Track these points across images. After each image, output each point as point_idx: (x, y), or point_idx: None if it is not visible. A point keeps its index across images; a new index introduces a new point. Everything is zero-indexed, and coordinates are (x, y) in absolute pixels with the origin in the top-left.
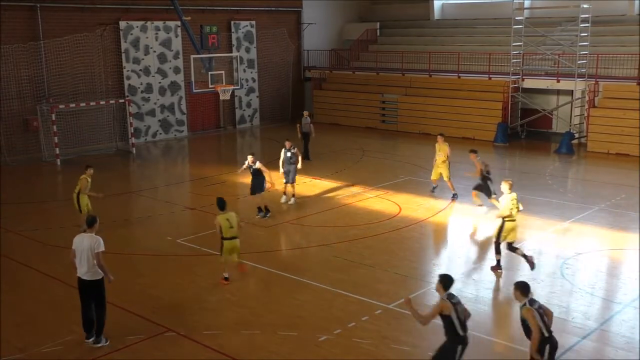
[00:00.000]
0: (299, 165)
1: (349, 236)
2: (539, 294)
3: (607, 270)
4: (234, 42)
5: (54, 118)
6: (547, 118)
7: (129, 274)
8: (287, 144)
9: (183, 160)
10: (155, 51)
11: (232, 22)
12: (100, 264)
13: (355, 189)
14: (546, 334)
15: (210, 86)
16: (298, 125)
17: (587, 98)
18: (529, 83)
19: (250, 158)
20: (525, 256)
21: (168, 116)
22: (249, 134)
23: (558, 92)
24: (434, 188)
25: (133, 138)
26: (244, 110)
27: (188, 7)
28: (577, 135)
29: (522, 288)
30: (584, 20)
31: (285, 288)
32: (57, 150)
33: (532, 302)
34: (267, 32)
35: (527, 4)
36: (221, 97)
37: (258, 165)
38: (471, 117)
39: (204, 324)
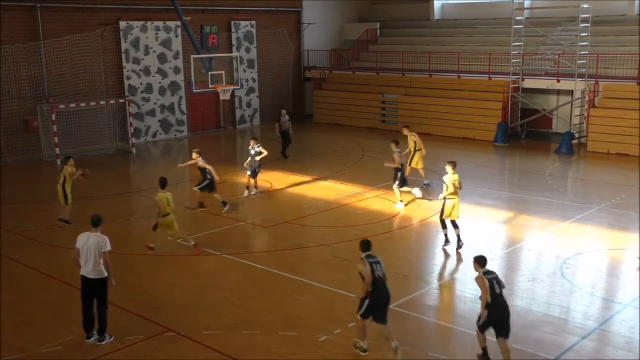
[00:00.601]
0: (257, 158)
1: (349, 236)
2: (539, 293)
3: (607, 270)
4: (234, 42)
5: (54, 118)
6: (547, 118)
7: (129, 274)
8: (252, 142)
9: (183, 160)
10: (155, 51)
11: (232, 22)
12: (107, 264)
13: (355, 189)
14: (490, 301)
15: (210, 86)
16: (277, 124)
17: (587, 98)
18: (529, 83)
19: (194, 155)
20: (459, 237)
21: (168, 116)
22: (249, 134)
23: (558, 92)
24: (426, 184)
25: (133, 138)
26: (244, 110)
27: (188, 7)
28: (577, 135)
29: (479, 260)
30: (584, 20)
31: (285, 288)
32: (57, 150)
33: (488, 272)
34: (267, 32)
35: (527, 4)
36: (221, 97)
37: (201, 163)
38: (471, 117)
39: (204, 324)
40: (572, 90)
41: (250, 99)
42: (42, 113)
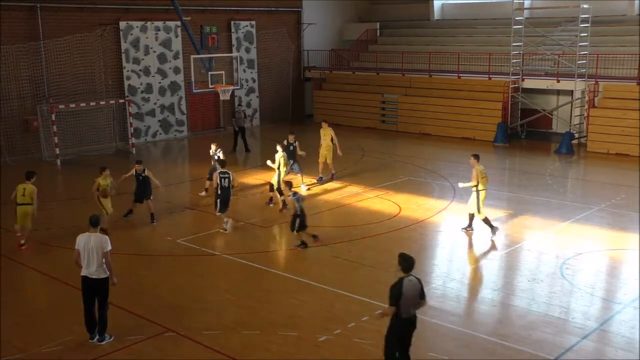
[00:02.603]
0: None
1: (348, 236)
2: (539, 294)
3: (607, 270)
4: (234, 42)
5: (54, 118)
6: (547, 118)
7: (129, 274)
8: (214, 146)
9: (183, 160)
10: (155, 51)
11: (232, 22)
12: (109, 263)
13: (355, 189)
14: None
15: (210, 86)
16: (232, 120)
17: (587, 98)
18: (529, 83)
19: (137, 166)
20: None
21: (168, 116)
22: (249, 134)
23: (558, 92)
24: (321, 178)
25: (133, 138)
26: (244, 110)
27: (188, 7)
28: (577, 135)
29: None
30: (584, 20)
31: (285, 288)
32: (57, 151)
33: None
34: (267, 32)
35: (527, 4)
36: (221, 97)
37: (147, 172)
38: (471, 117)
39: (204, 324)
40: (572, 91)
41: (250, 99)
42: (42, 113)
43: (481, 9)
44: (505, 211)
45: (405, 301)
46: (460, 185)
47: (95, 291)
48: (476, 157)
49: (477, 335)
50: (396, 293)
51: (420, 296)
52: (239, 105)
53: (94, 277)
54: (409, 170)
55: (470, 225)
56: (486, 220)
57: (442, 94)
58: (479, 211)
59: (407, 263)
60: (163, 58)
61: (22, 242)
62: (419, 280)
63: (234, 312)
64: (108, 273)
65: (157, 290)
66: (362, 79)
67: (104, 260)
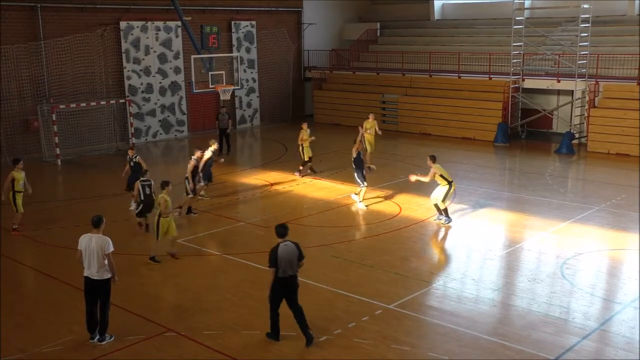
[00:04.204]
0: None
1: (349, 236)
2: (539, 294)
3: (608, 270)
4: (235, 42)
5: (54, 118)
6: (548, 118)
7: (130, 274)
8: (130, 151)
9: (184, 160)
10: (155, 51)
11: (233, 22)
12: (111, 264)
13: (355, 189)
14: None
15: (210, 86)
16: (216, 121)
17: (587, 98)
18: (529, 83)
19: (130, 152)
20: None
21: (168, 116)
22: (249, 134)
23: (558, 92)
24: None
25: (133, 138)
26: (244, 110)
27: (188, 7)
28: (577, 136)
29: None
30: (584, 21)
31: None
32: (58, 151)
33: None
34: (268, 32)
35: (527, 4)
36: (221, 97)
37: (138, 159)
38: (471, 117)
39: (204, 324)
40: (573, 91)
41: (251, 99)
42: (42, 113)
43: (481, 9)
44: (506, 211)
45: (282, 263)
46: (413, 178)
47: (97, 292)
48: (432, 158)
49: (477, 335)
50: (273, 256)
51: (298, 258)
52: (222, 107)
53: (95, 278)
54: (409, 170)
55: (444, 216)
56: (445, 210)
57: (443, 94)
58: (443, 200)
59: (280, 230)
60: (163, 58)
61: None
62: (295, 244)
63: (234, 312)
64: (110, 274)
65: (158, 290)
66: (362, 79)
67: (105, 262)
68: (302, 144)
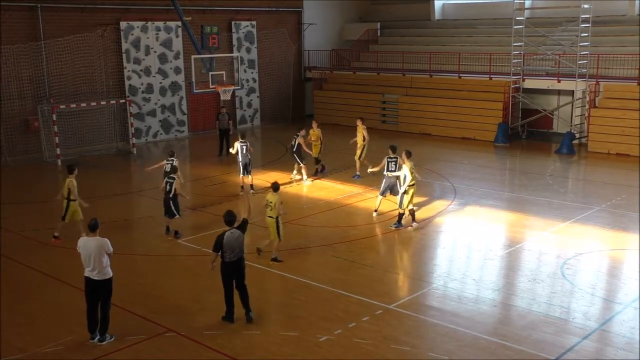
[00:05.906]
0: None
1: (349, 236)
2: (540, 294)
3: (608, 270)
4: (235, 42)
5: (54, 118)
6: (548, 118)
7: (130, 274)
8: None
9: (184, 160)
10: (155, 51)
11: (233, 23)
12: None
13: (355, 189)
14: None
15: (211, 86)
16: (216, 122)
17: (587, 98)
18: (529, 83)
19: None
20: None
21: (169, 116)
22: (250, 134)
23: (559, 93)
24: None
25: (134, 138)
26: (245, 110)
27: (188, 7)
28: (577, 136)
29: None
30: (585, 21)
31: (285, 288)
32: (58, 151)
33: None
34: (268, 32)
35: (527, 4)
36: (222, 98)
37: (176, 162)
38: (472, 117)
39: (204, 324)
40: (573, 91)
41: (251, 99)
42: (42, 113)
43: (482, 9)
44: (506, 211)
45: (228, 248)
46: (369, 170)
47: (98, 292)
48: (407, 153)
49: (477, 335)
50: (217, 242)
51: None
52: (223, 107)
53: (96, 278)
54: None
55: (398, 221)
56: (412, 212)
57: (443, 94)
58: (403, 204)
59: (227, 218)
60: (164, 58)
61: (56, 234)
62: (241, 229)
63: (234, 312)
64: (111, 274)
65: (158, 291)
66: (362, 79)
67: (105, 263)
68: (312, 143)
